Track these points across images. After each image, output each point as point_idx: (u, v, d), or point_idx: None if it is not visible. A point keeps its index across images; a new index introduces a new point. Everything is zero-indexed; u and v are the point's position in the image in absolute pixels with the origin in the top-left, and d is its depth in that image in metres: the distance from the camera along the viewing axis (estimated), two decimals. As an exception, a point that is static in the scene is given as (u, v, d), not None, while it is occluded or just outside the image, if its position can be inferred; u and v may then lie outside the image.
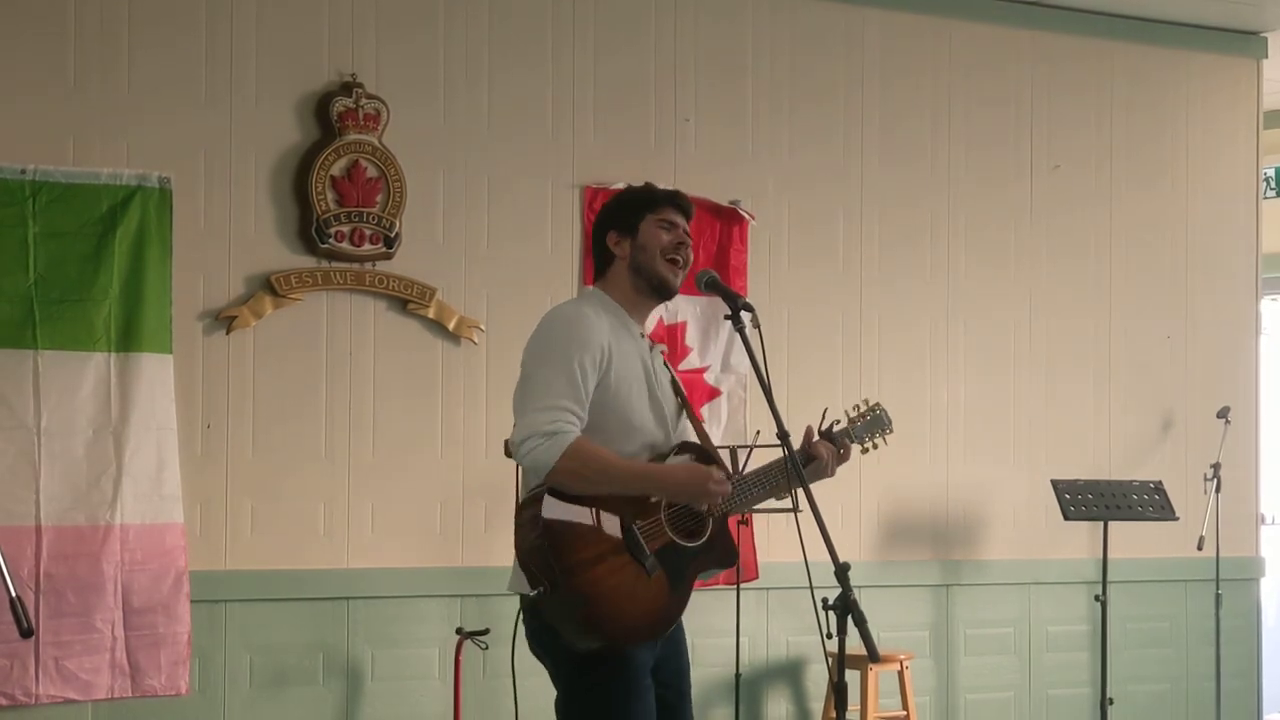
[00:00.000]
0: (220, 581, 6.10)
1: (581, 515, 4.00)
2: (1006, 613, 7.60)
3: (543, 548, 3.96)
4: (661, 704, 4.17)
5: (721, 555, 4.20)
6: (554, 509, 3.98)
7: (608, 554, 4.00)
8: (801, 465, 4.19)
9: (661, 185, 6.57)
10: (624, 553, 4.03)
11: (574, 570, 3.94)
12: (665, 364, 4.33)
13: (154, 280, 5.92)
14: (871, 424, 4.50)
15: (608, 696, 4.04)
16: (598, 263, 4.33)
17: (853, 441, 4.41)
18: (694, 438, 4.31)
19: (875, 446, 4.52)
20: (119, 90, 6.06)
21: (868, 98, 7.39)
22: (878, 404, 4.54)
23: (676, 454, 4.18)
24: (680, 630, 4.26)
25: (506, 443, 4.21)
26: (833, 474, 4.33)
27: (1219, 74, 8.19)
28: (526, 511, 4.04)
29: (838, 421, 4.38)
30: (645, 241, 4.23)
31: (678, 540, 4.11)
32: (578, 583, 3.94)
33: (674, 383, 4.32)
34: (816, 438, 4.32)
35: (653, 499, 4.09)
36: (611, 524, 4.03)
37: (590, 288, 4.35)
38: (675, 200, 4.32)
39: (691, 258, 4.29)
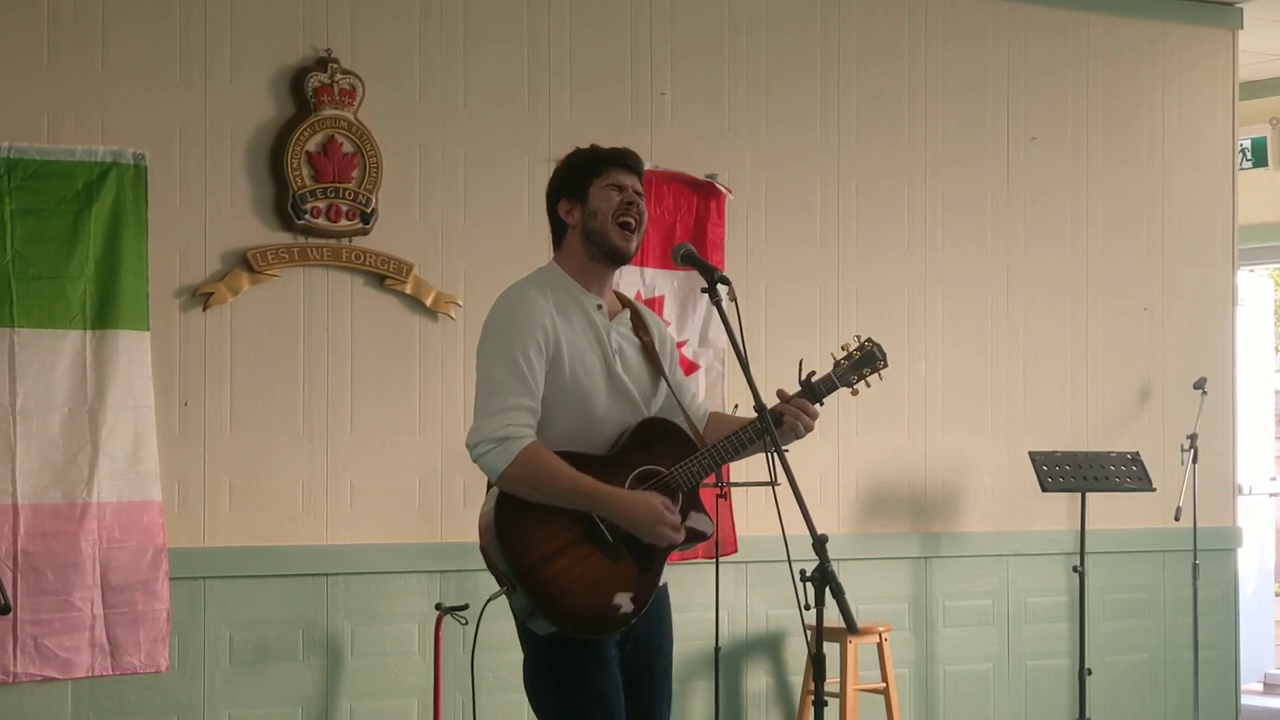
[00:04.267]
0: (199, 559, 6.09)
1: (535, 512, 3.97)
2: (985, 584, 7.63)
3: (497, 551, 3.96)
4: (631, 673, 4.14)
5: (693, 534, 4.13)
6: (507, 510, 3.97)
7: (568, 547, 3.97)
8: (755, 440, 4.13)
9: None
10: (585, 542, 4.00)
11: (532, 571, 3.93)
12: (635, 331, 4.24)
13: (130, 257, 5.90)
14: (860, 362, 4.30)
15: (567, 683, 4.03)
16: (553, 232, 4.27)
17: (837, 387, 4.25)
18: (673, 409, 4.26)
19: (868, 385, 4.32)
20: (94, 67, 6.03)
21: (844, 71, 7.39)
22: (869, 339, 4.35)
23: (633, 435, 4.10)
24: (659, 605, 4.21)
25: None
26: (802, 434, 4.17)
27: (1195, 45, 8.20)
28: (483, 512, 4.03)
29: (813, 372, 4.25)
30: (595, 207, 4.16)
31: None
32: (536, 583, 3.93)
33: (646, 349, 4.24)
34: (794, 393, 4.19)
35: (619, 479, 4.04)
36: (570, 515, 3.98)
37: (548, 264, 4.27)
38: (622, 160, 4.22)
39: (645, 215, 4.22)
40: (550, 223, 4.30)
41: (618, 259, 4.20)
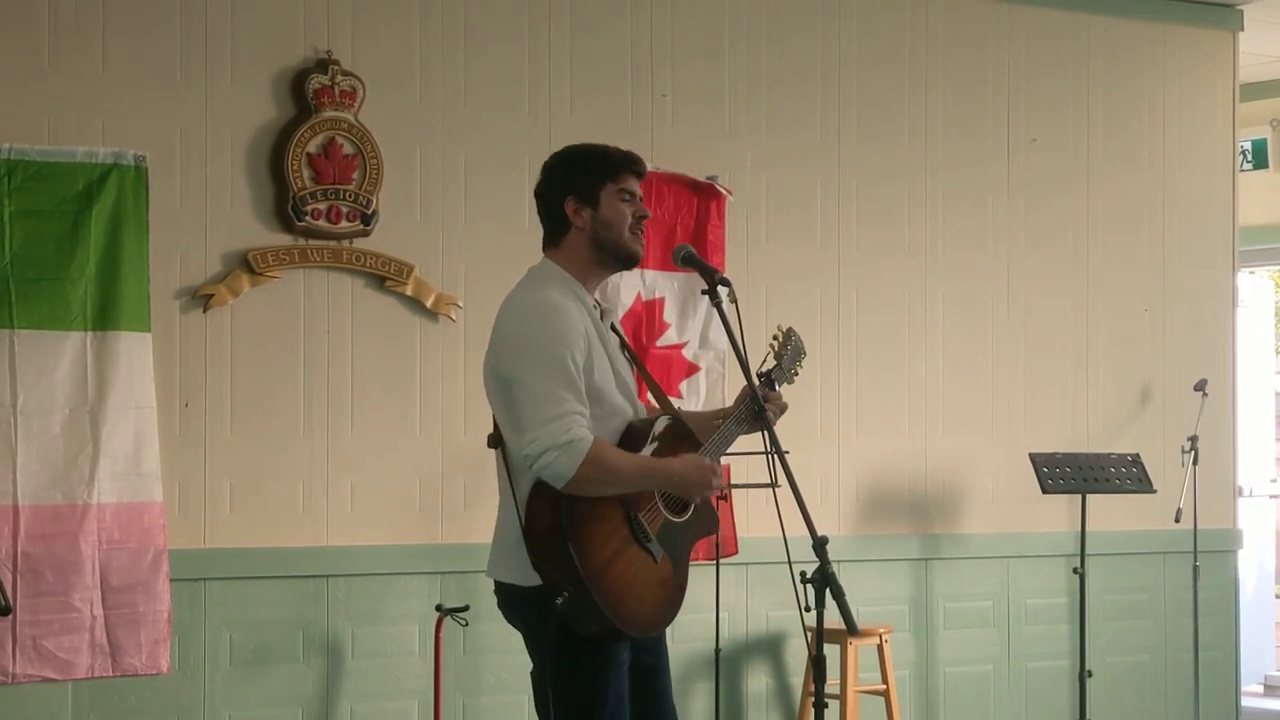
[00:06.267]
0: (200, 560, 6.09)
1: (591, 516, 3.97)
2: (985, 586, 7.63)
3: (558, 556, 3.92)
4: (638, 669, 4.18)
5: (707, 522, 4.26)
6: (566, 515, 3.94)
7: (622, 550, 4.01)
8: (748, 421, 4.23)
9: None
10: (633, 544, 4.04)
11: (599, 574, 3.92)
12: (615, 326, 4.28)
13: (131, 258, 5.90)
14: (794, 354, 4.54)
15: (591, 670, 4.03)
16: (550, 227, 4.23)
17: (786, 381, 4.43)
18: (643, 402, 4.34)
19: (798, 374, 4.58)
20: (94, 68, 6.03)
21: (845, 72, 7.38)
22: (789, 330, 4.56)
23: (660, 437, 4.16)
24: None
25: (489, 436, 4.16)
26: (776, 420, 4.26)
27: (1195, 47, 8.20)
28: (539, 518, 3.98)
29: (763, 364, 4.42)
30: (609, 217, 4.15)
31: (671, 518, 4.15)
32: (603, 585, 3.92)
33: (623, 344, 4.29)
34: (758, 391, 4.24)
35: None
36: (617, 518, 4.02)
37: (544, 261, 4.24)
38: (634, 166, 4.22)
39: (649, 212, 4.27)
40: (547, 217, 4.25)
41: (630, 264, 4.25)
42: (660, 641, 4.29)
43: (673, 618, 4.16)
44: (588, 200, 4.17)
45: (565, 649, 4.00)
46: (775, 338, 4.54)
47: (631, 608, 3.99)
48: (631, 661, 4.14)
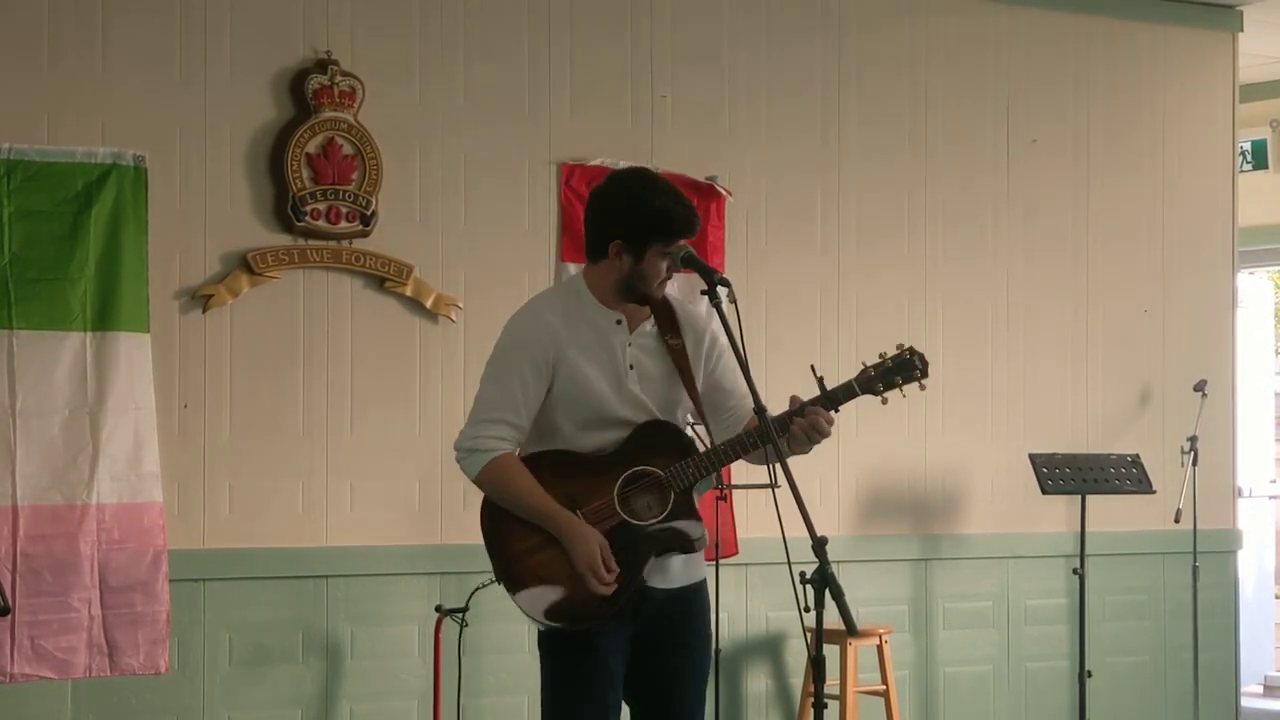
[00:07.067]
0: (199, 560, 6.09)
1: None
2: (985, 586, 7.63)
3: (488, 543, 4.20)
4: (648, 672, 4.25)
5: (681, 540, 4.20)
6: (491, 505, 4.22)
7: (549, 541, 4.14)
8: (779, 435, 4.15)
9: (638, 162, 6.64)
10: None
11: (514, 561, 4.16)
12: (664, 336, 4.27)
13: (130, 259, 5.90)
14: (893, 370, 4.24)
15: (554, 675, 4.21)
16: (591, 245, 4.26)
17: (856, 395, 4.21)
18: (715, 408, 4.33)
19: (903, 394, 4.30)
20: (93, 68, 6.03)
21: (845, 72, 7.38)
22: (911, 348, 4.28)
23: (632, 436, 4.19)
24: (680, 603, 4.28)
25: None
26: (816, 440, 4.19)
27: (1195, 48, 8.20)
28: (486, 501, 4.24)
29: (822, 378, 4.21)
30: (646, 272, 4.19)
31: (630, 520, 4.17)
32: (517, 573, 4.15)
33: (675, 354, 4.26)
34: (808, 399, 4.19)
35: (612, 478, 4.17)
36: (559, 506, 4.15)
37: (576, 274, 4.37)
38: (691, 230, 4.22)
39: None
40: (592, 236, 4.27)
41: (647, 305, 4.28)
42: (690, 654, 4.32)
43: (607, 615, 4.14)
44: (632, 250, 4.19)
45: (542, 643, 4.24)
46: (883, 354, 4.27)
47: (544, 596, 4.13)
48: (645, 667, 4.25)
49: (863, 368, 4.27)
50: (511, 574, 4.17)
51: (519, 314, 4.29)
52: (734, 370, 4.27)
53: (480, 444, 4.17)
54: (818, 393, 4.20)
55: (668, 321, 4.30)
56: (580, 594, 4.12)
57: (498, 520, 4.21)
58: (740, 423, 4.32)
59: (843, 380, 4.25)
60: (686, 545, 4.22)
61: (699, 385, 4.31)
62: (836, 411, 4.21)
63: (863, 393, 4.24)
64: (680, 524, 4.19)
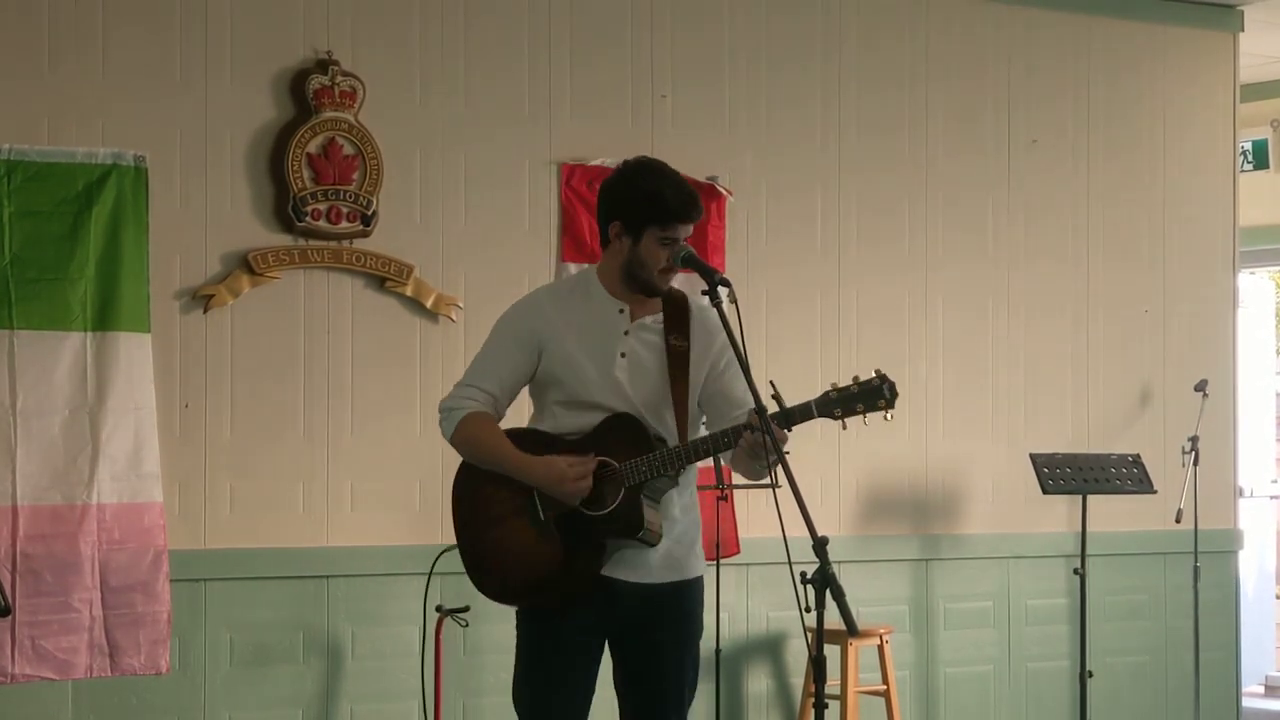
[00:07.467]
0: (199, 560, 6.09)
1: (483, 484, 4.34)
2: (986, 586, 7.63)
3: (454, 510, 4.40)
4: (629, 664, 4.36)
5: (624, 526, 4.23)
6: (460, 479, 4.42)
7: (508, 516, 4.29)
8: (728, 446, 4.19)
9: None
10: (521, 517, 4.28)
11: (466, 527, 4.38)
12: (668, 334, 4.30)
13: (130, 259, 5.90)
14: (856, 396, 4.13)
15: (521, 653, 4.39)
16: (601, 231, 4.38)
17: (814, 417, 4.14)
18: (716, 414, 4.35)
19: (865, 422, 4.17)
20: (94, 69, 6.03)
21: (845, 73, 7.38)
22: (884, 375, 4.16)
23: (599, 426, 4.26)
24: (669, 598, 4.32)
25: None
26: (760, 465, 4.10)
27: (1196, 48, 8.20)
28: (458, 472, 4.44)
29: (777, 395, 4.13)
30: (644, 256, 4.26)
31: (580, 507, 4.23)
32: (466, 540, 4.38)
33: (675, 353, 4.29)
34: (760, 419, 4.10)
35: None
36: (511, 489, 4.29)
37: (591, 266, 4.52)
38: (688, 215, 4.27)
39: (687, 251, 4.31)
40: (599, 216, 4.40)
41: (652, 295, 4.34)
42: (675, 649, 4.37)
43: (556, 600, 4.28)
44: (630, 232, 4.28)
45: (516, 626, 4.41)
46: (856, 377, 4.17)
47: (495, 573, 4.33)
48: (627, 658, 4.36)
49: (828, 389, 4.18)
50: (471, 553, 4.36)
51: (520, 298, 4.53)
52: (743, 383, 4.19)
53: (457, 404, 4.35)
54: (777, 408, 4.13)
55: (677, 321, 4.33)
56: (519, 575, 4.28)
57: (466, 491, 4.38)
58: None
59: (804, 400, 4.18)
60: (629, 533, 4.22)
61: (699, 391, 4.33)
62: (789, 431, 4.13)
63: (820, 415, 4.16)
64: (626, 514, 4.22)
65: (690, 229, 4.30)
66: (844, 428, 4.24)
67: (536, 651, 4.34)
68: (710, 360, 4.35)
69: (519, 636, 4.40)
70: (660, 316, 4.33)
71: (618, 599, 4.27)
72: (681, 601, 4.37)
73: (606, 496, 4.22)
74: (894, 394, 4.14)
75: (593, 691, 4.37)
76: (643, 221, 4.24)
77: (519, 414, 4.53)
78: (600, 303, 4.33)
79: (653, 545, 4.24)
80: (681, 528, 4.34)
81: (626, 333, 4.30)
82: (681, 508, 4.35)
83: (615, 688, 4.42)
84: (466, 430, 4.32)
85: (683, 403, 4.29)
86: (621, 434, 4.25)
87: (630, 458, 4.22)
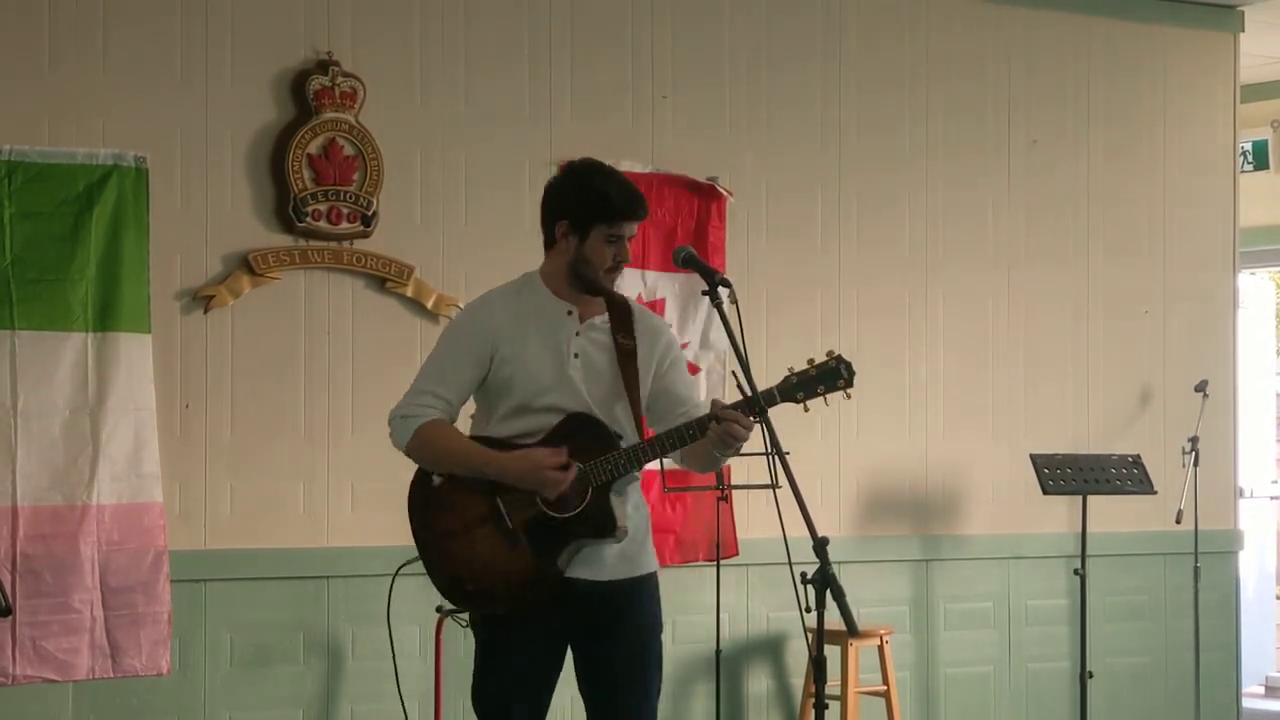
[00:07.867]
0: (200, 561, 6.09)
1: (457, 488, 4.27)
2: (986, 587, 7.63)
3: (411, 519, 4.35)
4: (591, 662, 4.34)
5: (595, 527, 4.24)
6: (417, 486, 4.36)
7: (473, 525, 4.25)
8: (694, 438, 4.19)
9: (639, 163, 6.66)
10: (487, 525, 4.24)
11: (430, 541, 4.32)
12: (615, 334, 4.31)
13: (131, 260, 5.90)
14: (816, 379, 4.18)
15: (480, 653, 4.36)
16: (545, 235, 4.37)
17: (778, 402, 4.17)
18: (662, 412, 4.35)
19: (825, 402, 4.22)
20: (94, 70, 6.03)
21: (845, 73, 7.38)
22: (839, 356, 4.22)
23: (557, 428, 4.24)
24: (628, 596, 4.31)
25: None
26: (732, 446, 4.14)
27: (1196, 49, 8.20)
28: (414, 479, 4.38)
29: (741, 385, 4.17)
30: (590, 255, 4.27)
31: (547, 511, 4.20)
32: (431, 552, 4.33)
33: (623, 352, 4.30)
34: (732, 403, 4.16)
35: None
36: (479, 497, 4.24)
37: (534, 269, 4.41)
38: (632, 213, 4.30)
39: (629, 256, 4.32)
40: (543, 224, 4.38)
41: (596, 295, 4.34)
42: (637, 647, 4.34)
43: (527, 606, 4.25)
44: (577, 231, 4.29)
45: (478, 622, 4.40)
46: (811, 360, 4.23)
47: (454, 580, 4.31)
48: (589, 657, 4.34)
49: (788, 373, 4.23)
50: (431, 556, 4.32)
51: (470, 303, 4.48)
52: (686, 381, 4.41)
53: (411, 410, 4.31)
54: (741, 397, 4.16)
55: (622, 321, 4.35)
56: (488, 581, 4.24)
57: (427, 498, 4.32)
58: None
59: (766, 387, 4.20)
60: (604, 533, 4.23)
61: (646, 389, 4.36)
62: (756, 419, 4.14)
63: (783, 400, 4.21)
64: (598, 515, 4.22)
65: (635, 228, 4.32)
66: (806, 410, 4.29)
67: (500, 651, 4.31)
68: (656, 359, 4.37)
69: (477, 637, 4.39)
70: (606, 317, 4.36)
71: (577, 598, 4.27)
72: (636, 598, 4.36)
73: (572, 498, 4.21)
74: (851, 373, 4.23)
75: (552, 693, 4.35)
76: (590, 220, 4.26)
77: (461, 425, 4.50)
78: (548, 304, 4.33)
79: (620, 542, 4.27)
80: (633, 524, 4.32)
81: (578, 333, 4.31)
82: (633, 505, 4.35)
83: (580, 690, 4.38)
84: (425, 434, 4.28)
85: (636, 399, 4.32)
86: (582, 434, 4.24)
87: (593, 457, 4.21)
